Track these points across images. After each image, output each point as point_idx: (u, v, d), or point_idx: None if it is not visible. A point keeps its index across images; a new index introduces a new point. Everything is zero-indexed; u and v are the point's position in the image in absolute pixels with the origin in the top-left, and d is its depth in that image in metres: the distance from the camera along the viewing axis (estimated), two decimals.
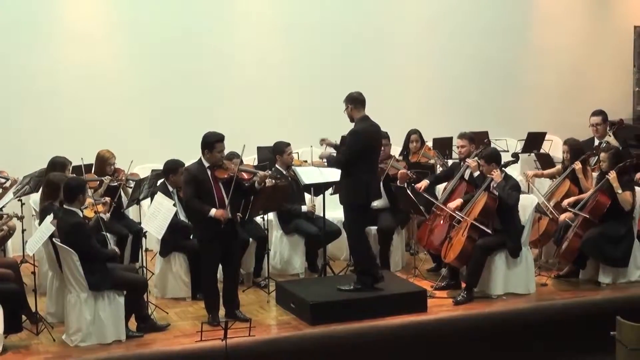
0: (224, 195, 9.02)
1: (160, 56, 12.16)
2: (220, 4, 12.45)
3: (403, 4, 13.19)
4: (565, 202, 10.20)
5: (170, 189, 10.02)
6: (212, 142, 8.98)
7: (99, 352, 8.51)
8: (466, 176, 10.32)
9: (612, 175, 9.90)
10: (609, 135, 11.39)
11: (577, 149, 10.67)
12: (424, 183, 10.44)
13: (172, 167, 10.04)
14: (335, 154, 9.49)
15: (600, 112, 11.55)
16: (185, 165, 9.64)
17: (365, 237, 9.70)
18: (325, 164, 9.76)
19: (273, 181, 9.70)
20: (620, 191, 9.86)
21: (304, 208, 10.61)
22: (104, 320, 8.64)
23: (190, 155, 10.28)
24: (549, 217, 10.31)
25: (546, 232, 10.40)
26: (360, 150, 9.18)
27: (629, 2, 14.28)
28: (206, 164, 9.03)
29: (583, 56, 14.06)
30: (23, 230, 10.03)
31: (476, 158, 10.12)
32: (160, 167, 10.27)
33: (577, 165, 10.44)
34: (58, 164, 9.90)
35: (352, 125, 9.35)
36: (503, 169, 9.82)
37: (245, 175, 9.14)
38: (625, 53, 14.18)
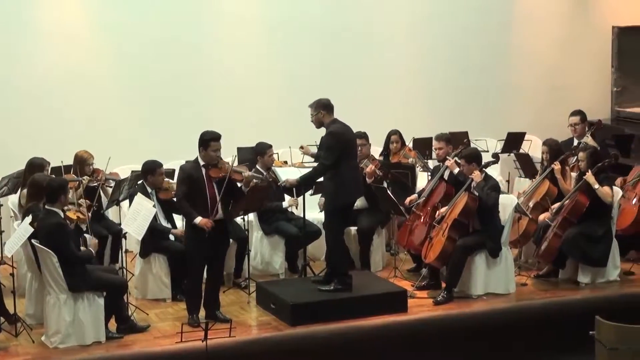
0: (217, 195, 9.01)
1: (144, 57, 12.12)
2: (204, 4, 12.41)
3: (385, 5, 13.19)
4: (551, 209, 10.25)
5: (149, 190, 9.99)
6: (206, 140, 8.98)
7: (79, 353, 8.48)
8: (445, 176, 10.33)
9: (588, 173, 9.94)
10: (587, 136, 11.44)
11: (556, 150, 10.71)
12: (413, 197, 10.48)
13: (150, 168, 10.01)
14: (309, 170, 9.49)
15: (578, 112, 11.60)
16: (166, 166, 9.60)
17: (342, 239, 9.71)
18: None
19: (255, 181, 9.71)
20: (597, 186, 9.90)
21: (284, 203, 10.61)
22: (84, 322, 8.61)
23: (174, 155, 10.29)
24: (529, 217, 10.34)
25: (526, 232, 10.43)
26: (339, 150, 9.19)
27: (608, 2, 14.33)
28: (202, 162, 9.03)
29: (562, 56, 14.10)
30: (1, 232, 9.99)
31: (456, 158, 10.14)
32: (139, 167, 10.23)
33: (556, 166, 10.47)
34: (36, 165, 9.86)
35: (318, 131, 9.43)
36: (483, 169, 9.86)
37: (238, 177, 9.10)
38: (604, 53, 14.23)
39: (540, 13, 13.97)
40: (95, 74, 11.97)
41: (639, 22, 14.17)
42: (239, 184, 9.20)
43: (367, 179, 10.58)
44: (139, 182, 10.11)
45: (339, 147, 9.21)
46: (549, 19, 14.03)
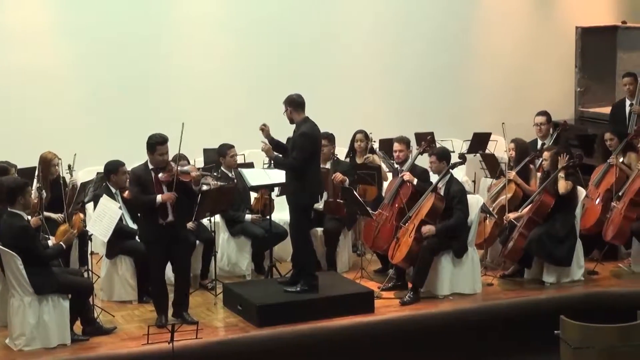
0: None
1: (104, 57, 12.03)
2: (165, 4, 12.36)
3: (349, 5, 13.20)
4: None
5: (113, 190, 9.93)
6: (152, 144, 8.97)
7: (44, 356, 8.44)
8: None
9: (560, 176, 10.02)
10: (550, 137, 11.55)
11: (523, 148, 10.80)
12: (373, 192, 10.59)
13: (113, 168, 9.96)
14: (277, 155, 9.41)
15: (544, 113, 11.71)
16: (131, 167, 9.53)
17: (310, 239, 9.73)
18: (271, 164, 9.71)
19: (218, 183, 9.67)
20: (562, 174, 9.97)
21: (247, 217, 10.60)
22: (49, 324, 8.56)
23: (138, 157, 10.18)
24: (495, 217, 10.39)
25: (491, 235, 10.48)
26: (311, 150, 9.21)
27: (571, 3, 14.43)
28: (151, 166, 9.02)
29: (526, 57, 14.19)
30: None
31: (428, 154, 10.16)
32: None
33: (510, 175, 10.53)
34: (0, 169, 9.78)
35: (292, 127, 9.37)
36: (450, 170, 9.91)
37: (186, 177, 9.05)
38: (568, 53, 14.32)
39: (504, 14, 14.04)
40: (57, 74, 11.88)
41: (602, 23, 14.29)
42: (198, 185, 9.17)
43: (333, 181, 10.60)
44: (103, 184, 10.07)
45: (310, 147, 9.22)
46: (513, 20, 14.10)
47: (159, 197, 8.91)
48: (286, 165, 9.35)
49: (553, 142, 11.55)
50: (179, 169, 8.98)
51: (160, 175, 8.97)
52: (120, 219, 9.57)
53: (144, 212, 9.14)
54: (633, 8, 14.53)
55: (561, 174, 9.99)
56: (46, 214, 9.42)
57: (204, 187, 9.21)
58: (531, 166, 10.80)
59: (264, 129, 9.34)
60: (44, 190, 9.88)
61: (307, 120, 9.31)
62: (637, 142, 11.06)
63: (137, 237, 9.85)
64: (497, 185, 10.81)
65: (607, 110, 13.16)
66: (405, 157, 10.48)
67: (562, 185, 10.00)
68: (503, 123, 11.17)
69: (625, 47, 13.95)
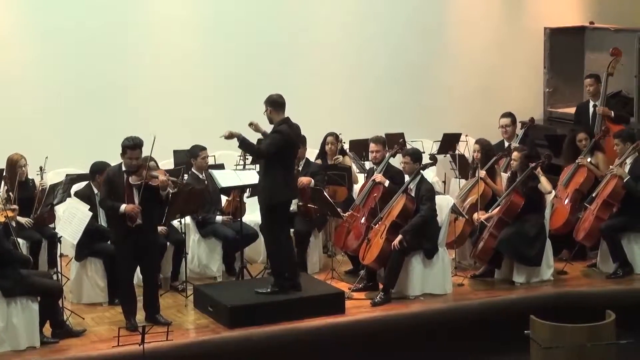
0: (135, 201, 8.97)
1: (74, 59, 11.96)
2: (132, 6, 12.29)
3: (320, 5, 13.20)
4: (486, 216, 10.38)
5: (96, 191, 9.87)
6: (123, 147, 8.96)
7: (13, 358, 8.40)
8: None
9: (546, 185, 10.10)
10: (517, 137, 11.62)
11: (488, 149, 10.84)
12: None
13: (100, 168, 9.87)
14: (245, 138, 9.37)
15: (509, 114, 11.73)
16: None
17: (282, 240, 9.71)
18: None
19: (171, 185, 9.65)
20: (550, 189, 10.10)
21: (218, 218, 10.58)
22: (17, 327, 8.52)
23: (109, 158, 10.15)
24: (465, 217, 10.44)
25: (462, 234, 10.52)
26: (279, 149, 9.18)
27: (539, 4, 14.51)
28: (124, 168, 8.98)
29: (495, 57, 14.24)
30: None
31: (400, 157, 10.18)
32: (74, 171, 10.30)
33: (482, 174, 10.58)
34: None
35: (271, 127, 9.36)
36: (420, 171, 9.94)
37: (154, 182, 9.01)
38: (537, 54, 14.40)
39: (474, 15, 14.09)
40: (25, 76, 11.79)
41: (570, 24, 14.39)
42: (164, 190, 9.12)
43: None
44: (85, 183, 10.04)
45: (280, 145, 9.19)
46: (482, 21, 14.16)
47: (122, 207, 8.88)
48: (253, 148, 9.35)
49: (520, 140, 11.61)
50: (149, 173, 8.95)
51: (131, 178, 8.94)
52: (97, 219, 9.56)
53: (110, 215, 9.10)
54: (600, 9, 14.64)
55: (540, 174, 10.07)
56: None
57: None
58: (495, 166, 10.84)
59: (252, 125, 9.30)
60: (10, 192, 9.86)
61: (285, 121, 9.29)
62: (603, 142, 11.15)
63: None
64: (468, 184, 10.85)
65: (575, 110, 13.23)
66: (382, 158, 10.47)
67: (545, 188, 10.09)
68: (466, 135, 11.17)
69: (593, 47, 14.04)
